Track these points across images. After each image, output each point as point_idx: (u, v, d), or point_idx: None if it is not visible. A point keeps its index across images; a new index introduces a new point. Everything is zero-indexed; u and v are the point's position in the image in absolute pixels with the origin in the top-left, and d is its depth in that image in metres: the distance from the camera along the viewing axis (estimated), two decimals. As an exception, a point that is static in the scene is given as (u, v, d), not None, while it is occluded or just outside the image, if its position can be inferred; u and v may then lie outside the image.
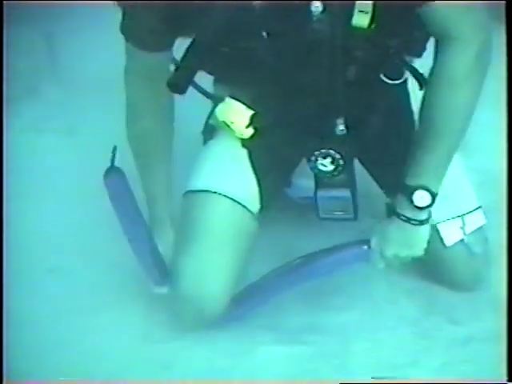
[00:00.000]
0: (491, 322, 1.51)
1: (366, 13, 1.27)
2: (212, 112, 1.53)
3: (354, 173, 1.51)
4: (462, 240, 1.52)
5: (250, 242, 1.52)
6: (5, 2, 1.81)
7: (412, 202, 1.35)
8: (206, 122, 1.57)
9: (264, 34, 1.30)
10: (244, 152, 1.51)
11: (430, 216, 1.39)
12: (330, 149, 1.44)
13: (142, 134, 1.47)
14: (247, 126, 1.42)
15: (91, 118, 1.66)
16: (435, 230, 1.49)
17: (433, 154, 1.34)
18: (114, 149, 1.41)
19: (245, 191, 1.50)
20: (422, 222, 1.38)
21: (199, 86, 1.47)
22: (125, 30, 1.36)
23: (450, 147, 1.36)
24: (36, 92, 2.21)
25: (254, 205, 1.51)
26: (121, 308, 1.64)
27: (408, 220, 1.38)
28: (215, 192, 1.49)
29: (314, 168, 1.46)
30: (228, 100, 1.44)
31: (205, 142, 1.58)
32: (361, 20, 1.27)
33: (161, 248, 1.51)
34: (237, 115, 1.43)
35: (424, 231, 1.40)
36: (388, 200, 1.49)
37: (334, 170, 1.45)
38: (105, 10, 1.37)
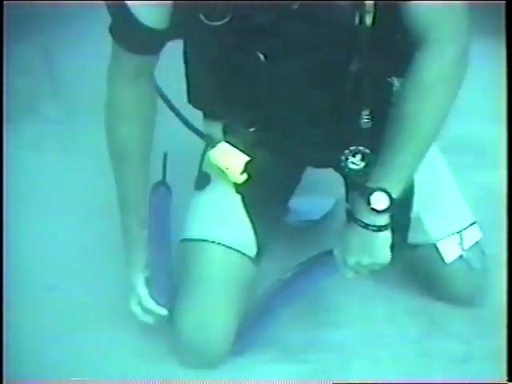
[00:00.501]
0: (492, 341, 1.50)
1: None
2: (203, 157, 1.55)
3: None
4: (460, 256, 1.53)
5: (250, 285, 1.54)
6: (5, 20, 1.81)
7: (369, 204, 1.32)
8: (199, 170, 1.57)
9: (261, 56, 1.31)
10: (238, 197, 1.51)
11: (389, 222, 1.35)
12: (359, 145, 1.42)
13: (121, 135, 1.44)
14: (242, 173, 1.42)
15: (90, 135, 1.65)
16: (435, 248, 1.51)
17: (398, 155, 1.32)
18: (165, 161, 1.46)
19: (241, 237, 1.51)
20: (380, 228, 1.34)
21: (192, 126, 1.50)
22: (113, 30, 1.35)
23: (416, 151, 1.33)
24: (35, 109, 2.23)
25: (251, 249, 1.52)
26: (119, 327, 1.64)
27: (366, 226, 1.34)
28: (211, 241, 1.49)
29: (346, 167, 1.44)
30: (222, 145, 1.44)
31: (199, 188, 1.58)
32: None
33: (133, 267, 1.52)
34: (232, 161, 1.43)
35: (384, 238, 1.36)
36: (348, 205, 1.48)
37: (366, 166, 1.43)
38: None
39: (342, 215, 1.43)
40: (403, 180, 1.33)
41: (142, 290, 1.49)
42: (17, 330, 1.58)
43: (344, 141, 1.41)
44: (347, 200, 1.55)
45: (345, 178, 1.54)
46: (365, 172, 1.42)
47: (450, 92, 1.31)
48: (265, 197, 1.47)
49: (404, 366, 1.54)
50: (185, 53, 1.43)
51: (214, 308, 1.48)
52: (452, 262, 1.53)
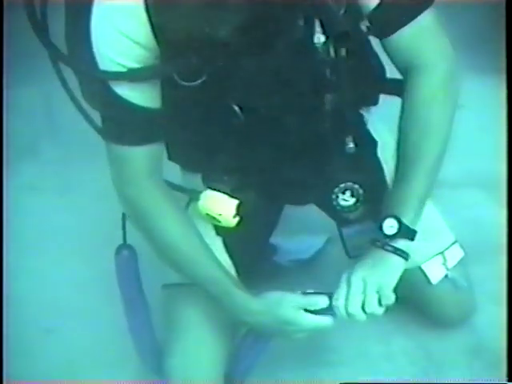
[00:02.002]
0: (485, 361, 1.57)
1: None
2: (187, 207, 1.55)
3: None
4: (446, 276, 1.57)
5: (235, 324, 1.53)
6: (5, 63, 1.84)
7: (381, 229, 1.35)
8: None
9: (236, 108, 1.32)
10: (219, 240, 1.53)
11: (407, 253, 1.37)
12: (347, 181, 1.46)
13: (168, 238, 1.40)
14: (234, 216, 1.42)
15: (89, 176, 1.69)
16: (420, 271, 1.55)
17: (408, 183, 1.36)
18: (124, 224, 1.44)
19: None
20: (396, 250, 1.36)
21: (173, 184, 1.49)
22: (109, 128, 1.33)
23: (424, 175, 1.37)
24: (34, 151, 2.27)
25: None
26: (117, 369, 1.67)
27: (382, 246, 1.36)
28: (192, 285, 1.47)
29: (337, 206, 1.48)
30: (209, 192, 1.43)
31: None
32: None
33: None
34: (223, 206, 1.42)
35: (398, 263, 1.37)
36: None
37: (356, 202, 1.47)
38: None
39: (333, 253, 1.44)
40: (418, 209, 1.37)
41: (300, 299, 1.39)
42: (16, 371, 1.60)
43: (326, 176, 1.46)
44: (341, 236, 1.57)
45: (332, 217, 1.58)
46: (356, 208, 1.46)
47: (446, 113, 1.36)
48: (246, 237, 1.48)
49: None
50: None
51: (202, 352, 1.51)
52: (438, 283, 1.57)
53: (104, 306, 1.72)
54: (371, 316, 1.35)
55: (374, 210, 1.44)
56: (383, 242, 1.35)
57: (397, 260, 1.36)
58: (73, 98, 1.36)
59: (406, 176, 1.36)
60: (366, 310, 1.34)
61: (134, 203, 1.37)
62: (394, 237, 1.35)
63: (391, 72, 1.44)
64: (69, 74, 1.34)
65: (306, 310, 1.36)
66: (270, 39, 1.08)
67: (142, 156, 1.33)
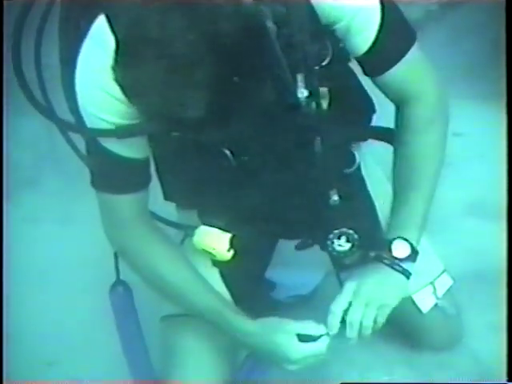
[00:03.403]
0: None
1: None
2: (182, 242, 1.60)
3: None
4: (436, 304, 1.62)
5: (234, 352, 1.59)
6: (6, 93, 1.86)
7: (390, 251, 1.41)
8: None
9: (228, 152, 1.36)
10: (215, 270, 1.57)
11: (410, 272, 1.44)
12: (342, 227, 1.50)
13: (164, 276, 1.44)
14: (229, 250, 1.46)
15: (90, 207, 1.67)
16: (411, 301, 1.60)
17: (409, 204, 1.43)
18: (116, 261, 1.44)
19: None
20: (404, 270, 1.43)
21: (168, 221, 1.56)
22: (99, 178, 1.37)
23: (423, 196, 1.44)
24: (36, 182, 2.29)
25: None
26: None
27: (391, 265, 1.42)
28: (189, 315, 1.51)
29: (333, 251, 1.52)
30: (203, 228, 1.47)
31: None
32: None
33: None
34: (216, 241, 1.46)
35: (404, 284, 1.44)
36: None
37: (352, 246, 1.50)
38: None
39: (332, 288, 1.46)
40: (420, 230, 1.45)
41: (295, 324, 1.41)
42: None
43: (317, 216, 1.50)
44: (338, 276, 1.60)
45: (330, 257, 1.61)
46: (352, 252, 1.51)
47: (441, 137, 1.44)
48: (241, 269, 1.52)
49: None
50: (152, 154, 1.46)
51: (199, 377, 1.54)
52: (428, 311, 1.62)
53: (105, 338, 1.73)
54: (362, 332, 1.40)
55: (369, 254, 1.49)
56: (392, 262, 1.42)
57: (403, 280, 1.43)
58: (70, 142, 1.42)
59: (407, 199, 1.43)
60: (364, 323, 1.39)
61: (124, 244, 1.43)
62: (404, 260, 1.42)
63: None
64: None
65: (300, 340, 1.39)
66: (240, 105, 1.09)
67: (128, 202, 1.39)
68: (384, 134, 1.51)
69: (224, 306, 1.43)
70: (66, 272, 1.98)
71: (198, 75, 1.03)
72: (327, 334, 1.39)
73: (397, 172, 1.46)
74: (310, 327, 1.39)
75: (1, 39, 1.81)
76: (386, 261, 1.42)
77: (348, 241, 1.50)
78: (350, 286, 1.42)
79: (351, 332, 1.40)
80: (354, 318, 1.39)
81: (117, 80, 1.12)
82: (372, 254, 1.46)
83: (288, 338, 1.38)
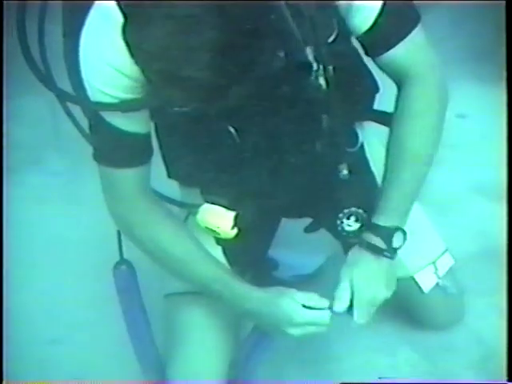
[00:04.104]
0: (490, 373, 1.60)
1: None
2: (185, 221, 1.59)
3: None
4: (437, 284, 1.64)
5: (237, 330, 1.61)
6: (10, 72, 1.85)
7: (391, 244, 1.42)
8: None
9: (232, 129, 1.37)
10: (219, 249, 1.57)
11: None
12: (351, 207, 1.49)
13: (166, 248, 1.43)
14: (232, 228, 1.46)
15: (93, 188, 1.68)
16: (413, 280, 1.62)
17: (404, 188, 1.42)
18: (120, 239, 1.47)
19: None
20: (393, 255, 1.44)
21: (171, 199, 1.55)
22: (101, 152, 1.37)
23: (417, 181, 1.44)
24: (39, 161, 2.28)
25: None
26: (124, 379, 1.69)
27: (391, 257, 1.43)
28: (194, 292, 1.52)
29: (342, 231, 1.51)
30: (207, 206, 1.47)
31: None
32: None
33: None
34: (221, 219, 1.46)
35: (393, 267, 1.45)
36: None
37: (361, 226, 1.49)
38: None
39: (335, 269, 1.49)
40: (408, 211, 1.45)
41: (300, 294, 1.41)
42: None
43: (322, 194, 1.52)
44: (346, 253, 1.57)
45: (337, 238, 1.63)
46: (361, 232, 1.50)
47: (438, 119, 1.42)
48: (244, 248, 1.53)
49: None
50: (156, 131, 1.48)
51: (204, 358, 1.56)
52: (430, 291, 1.64)
53: (108, 316, 1.73)
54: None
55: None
56: (392, 255, 1.43)
57: (391, 265, 1.45)
58: (71, 116, 1.40)
59: (398, 180, 1.42)
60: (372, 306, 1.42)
61: (125, 218, 1.42)
62: (398, 249, 1.43)
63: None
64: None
65: (304, 306, 1.39)
66: (248, 72, 1.08)
67: (130, 177, 1.39)
68: (384, 118, 1.50)
69: (228, 275, 1.43)
70: (69, 251, 1.98)
71: (205, 38, 1.02)
72: (330, 308, 1.39)
73: (390, 151, 1.44)
74: (313, 299, 1.40)
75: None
76: (385, 253, 1.42)
77: (357, 220, 1.50)
78: (345, 274, 1.43)
79: (359, 315, 1.41)
80: (359, 302, 1.40)
81: (125, 40, 1.12)
82: (358, 243, 1.46)
83: (292, 302, 1.39)
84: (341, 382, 1.62)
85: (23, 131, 2.32)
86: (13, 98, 2.16)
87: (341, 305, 1.39)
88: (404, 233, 1.43)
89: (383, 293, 1.44)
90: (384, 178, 1.45)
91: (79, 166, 2.08)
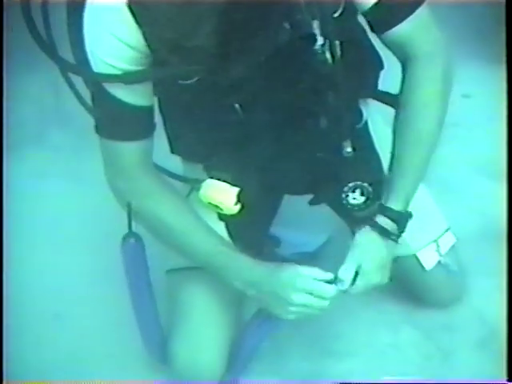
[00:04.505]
0: (497, 369, 1.54)
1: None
2: (188, 196, 1.59)
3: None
4: (439, 262, 1.66)
5: (240, 308, 1.61)
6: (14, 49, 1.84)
7: (404, 228, 1.43)
8: None
9: (236, 106, 1.36)
10: (222, 224, 1.57)
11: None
12: (355, 180, 1.50)
13: (167, 222, 1.43)
14: (236, 203, 1.46)
15: (96, 164, 1.68)
16: (415, 258, 1.64)
17: (410, 173, 1.42)
18: (129, 212, 1.45)
19: None
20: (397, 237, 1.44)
21: (174, 174, 1.55)
22: (100, 127, 1.36)
23: (423, 163, 1.43)
24: (42, 138, 2.28)
25: None
26: (125, 356, 1.70)
27: (388, 235, 1.42)
28: (196, 268, 1.50)
29: (347, 205, 1.52)
30: (210, 182, 1.47)
31: None
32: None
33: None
34: (224, 195, 1.46)
35: (394, 244, 1.44)
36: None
37: (366, 200, 1.50)
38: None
39: (337, 247, 1.48)
40: (415, 190, 1.45)
41: (302, 268, 1.40)
42: (21, 360, 1.65)
43: (326, 170, 1.52)
44: (352, 230, 1.60)
45: (340, 214, 1.65)
46: (366, 206, 1.51)
47: (443, 95, 1.42)
48: (247, 223, 1.52)
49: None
50: (160, 106, 1.48)
51: (206, 333, 1.56)
52: (431, 269, 1.65)
53: (111, 293, 1.73)
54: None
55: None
56: (398, 236, 1.43)
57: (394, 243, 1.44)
58: (73, 88, 1.40)
59: (405, 159, 1.42)
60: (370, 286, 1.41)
61: (126, 192, 1.41)
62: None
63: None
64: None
65: None
66: (253, 42, 1.06)
67: (132, 150, 1.38)
68: (388, 98, 1.50)
69: (229, 249, 1.43)
70: (71, 227, 1.98)
71: (211, 7, 1.01)
72: (334, 281, 1.38)
73: (397, 133, 1.44)
74: (317, 272, 1.38)
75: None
76: (392, 236, 1.42)
77: (362, 194, 1.50)
78: (353, 255, 1.41)
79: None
80: (360, 283, 1.40)
81: (130, 10, 1.13)
82: (363, 218, 1.45)
83: (295, 270, 1.38)
84: (343, 359, 1.66)
85: (25, 108, 2.31)
86: (15, 74, 2.16)
87: (342, 284, 1.39)
88: (411, 216, 1.43)
89: (384, 278, 1.43)
90: (394, 160, 1.44)
91: (81, 142, 2.07)
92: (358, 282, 1.39)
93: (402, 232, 1.44)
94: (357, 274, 1.39)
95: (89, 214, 1.98)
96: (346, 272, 1.39)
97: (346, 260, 1.41)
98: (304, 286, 1.36)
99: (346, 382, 1.57)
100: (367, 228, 1.43)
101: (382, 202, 1.43)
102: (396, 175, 1.43)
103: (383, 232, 1.42)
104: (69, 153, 2.21)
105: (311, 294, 1.36)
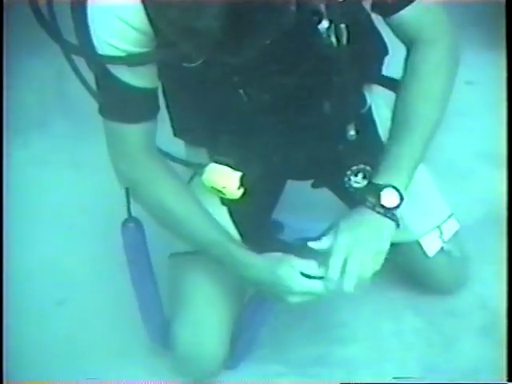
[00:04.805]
0: (497, 359, 1.54)
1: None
2: (191, 180, 1.60)
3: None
4: (441, 248, 1.65)
5: (241, 290, 1.60)
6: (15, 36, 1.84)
7: (379, 200, 1.38)
8: None
9: (239, 88, 1.36)
10: (224, 209, 1.57)
11: (398, 219, 1.41)
12: (358, 164, 1.48)
13: (169, 208, 1.42)
14: (238, 188, 1.45)
15: (98, 151, 1.68)
16: (418, 245, 1.63)
17: (405, 149, 1.39)
18: (128, 197, 1.46)
19: None
20: (394, 218, 1.39)
21: (177, 158, 1.55)
22: (104, 109, 1.36)
23: (421, 143, 1.40)
24: (44, 124, 2.27)
25: None
26: (128, 342, 1.70)
27: (373, 207, 1.39)
28: (198, 252, 1.50)
29: (349, 188, 1.50)
30: (213, 166, 1.46)
31: None
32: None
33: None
34: (227, 179, 1.45)
35: (392, 228, 1.40)
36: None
37: (369, 183, 1.46)
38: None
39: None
40: (411, 173, 1.41)
41: (299, 261, 1.40)
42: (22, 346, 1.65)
43: (329, 155, 1.51)
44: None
45: (342, 198, 1.64)
46: (368, 189, 1.48)
47: (446, 83, 1.41)
48: (250, 208, 1.52)
49: (410, 380, 1.61)
50: (163, 89, 1.47)
51: (207, 319, 1.57)
52: (434, 255, 1.64)
53: (113, 278, 1.74)
54: (359, 283, 1.37)
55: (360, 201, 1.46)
56: (385, 211, 1.39)
57: (392, 225, 1.40)
58: (77, 73, 1.40)
59: (403, 140, 1.40)
60: (362, 274, 1.36)
61: (129, 175, 1.42)
62: (392, 209, 1.39)
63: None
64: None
65: (302, 274, 1.38)
66: (260, 24, 1.06)
67: (136, 132, 1.38)
68: (393, 84, 1.49)
69: (229, 240, 1.43)
70: (73, 213, 1.98)
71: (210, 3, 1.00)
72: (324, 278, 1.37)
73: (396, 114, 1.42)
74: (311, 267, 1.38)
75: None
76: (377, 209, 1.39)
77: (365, 177, 1.48)
78: (343, 239, 1.39)
79: (348, 284, 1.36)
80: (351, 270, 1.36)
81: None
82: (363, 200, 1.42)
83: (291, 270, 1.38)
84: (346, 346, 1.67)
85: (27, 94, 2.30)
86: (17, 60, 2.15)
87: (334, 272, 1.37)
88: (398, 192, 1.38)
89: (376, 264, 1.39)
90: (389, 140, 1.43)
91: (83, 128, 2.08)
92: (348, 269, 1.36)
93: (389, 208, 1.38)
94: (346, 262, 1.37)
95: (91, 199, 1.98)
96: (334, 259, 1.37)
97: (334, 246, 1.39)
98: (298, 289, 1.37)
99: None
100: (357, 209, 1.41)
101: (374, 181, 1.41)
102: (386, 152, 1.41)
103: (366, 205, 1.39)
104: (71, 139, 2.20)
105: (306, 294, 1.38)
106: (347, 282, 1.36)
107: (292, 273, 1.37)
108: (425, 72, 1.40)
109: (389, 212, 1.38)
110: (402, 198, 1.38)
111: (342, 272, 1.36)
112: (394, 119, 1.43)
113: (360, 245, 1.37)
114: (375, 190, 1.39)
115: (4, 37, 1.87)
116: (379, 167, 1.41)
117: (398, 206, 1.38)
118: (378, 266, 1.39)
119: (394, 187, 1.37)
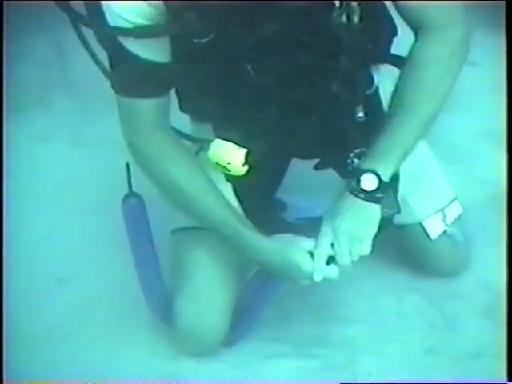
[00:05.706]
0: (501, 338, 1.53)
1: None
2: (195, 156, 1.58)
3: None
4: (444, 231, 1.66)
5: (244, 270, 1.60)
6: (16, 13, 1.82)
7: (359, 185, 1.38)
8: None
9: (248, 66, 1.35)
10: (228, 185, 1.57)
11: (380, 197, 1.40)
12: (365, 146, 1.46)
13: (180, 184, 1.41)
14: (243, 164, 1.45)
15: (101, 127, 1.68)
16: (420, 227, 1.63)
17: (395, 135, 1.38)
18: (129, 173, 1.46)
19: None
20: (376, 199, 1.38)
21: (183, 133, 1.53)
22: (117, 84, 1.35)
23: (414, 130, 1.39)
24: (47, 102, 2.26)
25: None
26: (130, 320, 1.69)
27: (359, 197, 1.39)
28: (201, 228, 1.50)
29: (352, 170, 1.48)
30: (219, 142, 1.46)
31: None
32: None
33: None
34: (232, 155, 1.44)
35: (377, 211, 1.40)
36: None
37: (352, 168, 1.46)
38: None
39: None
40: (398, 161, 1.40)
41: (310, 244, 1.40)
42: (23, 325, 1.64)
43: (336, 135, 1.50)
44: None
45: (342, 174, 1.63)
46: None
47: (450, 72, 1.38)
48: (254, 185, 1.52)
49: (412, 362, 1.61)
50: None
51: (208, 294, 1.57)
52: (437, 238, 1.65)
53: (115, 256, 1.73)
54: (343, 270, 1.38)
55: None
56: (366, 196, 1.38)
57: (376, 208, 1.40)
58: (87, 48, 1.36)
59: (394, 129, 1.39)
60: (352, 258, 1.38)
61: (142, 150, 1.41)
62: (372, 192, 1.38)
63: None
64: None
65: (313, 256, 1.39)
66: (271, 5, 1.06)
67: (149, 108, 1.37)
68: (401, 62, 1.45)
69: (239, 222, 1.42)
70: (76, 190, 1.97)
71: None
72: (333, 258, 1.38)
73: (394, 101, 1.40)
74: (324, 248, 1.37)
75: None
76: (360, 195, 1.38)
77: None
78: (327, 226, 1.40)
79: (332, 272, 1.38)
80: (341, 257, 1.38)
81: None
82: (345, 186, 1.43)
83: (302, 254, 1.38)
84: (348, 325, 1.66)
85: (29, 71, 2.29)
86: (19, 38, 2.14)
87: (320, 262, 1.37)
88: (377, 176, 1.36)
89: (362, 250, 1.39)
90: (387, 120, 1.40)
91: (85, 106, 2.07)
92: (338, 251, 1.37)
93: (371, 192, 1.37)
94: (333, 245, 1.38)
95: (93, 177, 1.97)
96: (321, 248, 1.37)
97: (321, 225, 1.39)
98: (307, 272, 1.37)
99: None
100: (342, 195, 1.41)
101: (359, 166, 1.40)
102: (380, 143, 1.39)
103: (362, 195, 1.38)
104: (73, 116, 2.19)
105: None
106: (331, 269, 1.37)
107: (303, 255, 1.38)
108: (425, 62, 1.37)
109: (370, 196, 1.38)
110: (381, 182, 1.37)
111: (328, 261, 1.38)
112: (390, 105, 1.42)
113: (344, 232, 1.38)
114: (356, 174, 1.39)
115: (4, 13, 1.86)
116: (367, 153, 1.41)
117: (376, 190, 1.37)
118: (366, 251, 1.40)
119: (373, 171, 1.37)
